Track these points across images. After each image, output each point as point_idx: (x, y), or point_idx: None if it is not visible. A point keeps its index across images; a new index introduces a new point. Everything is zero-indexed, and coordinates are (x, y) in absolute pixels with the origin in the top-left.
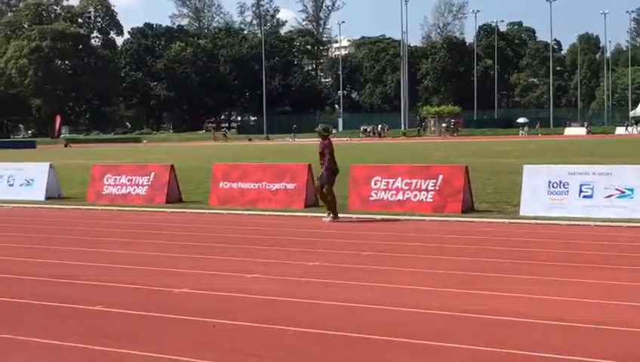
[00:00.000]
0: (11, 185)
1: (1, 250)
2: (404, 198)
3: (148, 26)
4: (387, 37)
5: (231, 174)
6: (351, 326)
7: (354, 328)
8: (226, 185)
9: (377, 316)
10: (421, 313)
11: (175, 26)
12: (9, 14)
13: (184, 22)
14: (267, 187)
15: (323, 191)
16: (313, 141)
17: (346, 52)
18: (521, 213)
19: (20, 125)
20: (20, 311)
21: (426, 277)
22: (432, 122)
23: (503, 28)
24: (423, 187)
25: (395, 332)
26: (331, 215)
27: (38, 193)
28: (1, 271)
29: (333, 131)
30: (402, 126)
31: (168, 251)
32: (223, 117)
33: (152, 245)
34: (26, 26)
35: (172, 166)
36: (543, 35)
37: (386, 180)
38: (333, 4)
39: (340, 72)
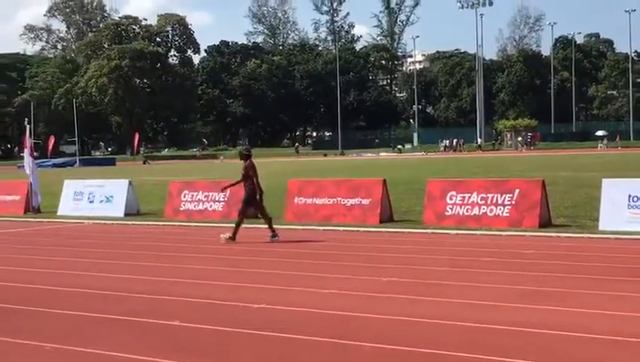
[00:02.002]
0: (91, 201)
1: (82, 266)
2: (480, 213)
3: (224, 43)
4: (462, 51)
5: (306, 190)
6: (424, 342)
7: (427, 344)
8: (301, 200)
9: (450, 332)
10: (494, 329)
11: (250, 44)
12: (90, 35)
13: (259, 39)
14: (342, 202)
15: (263, 209)
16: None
17: (421, 66)
18: (600, 228)
19: (101, 142)
20: (101, 325)
21: (500, 293)
22: (509, 136)
23: (579, 40)
24: (499, 201)
25: (466, 348)
26: (229, 235)
27: (118, 209)
28: (83, 286)
29: (407, 146)
30: (478, 140)
31: (245, 266)
32: (298, 133)
33: (230, 260)
34: (106, 45)
35: None
36: (621, 47)
37: (462, 195)
38: (408, 19)
39: (414, 87)
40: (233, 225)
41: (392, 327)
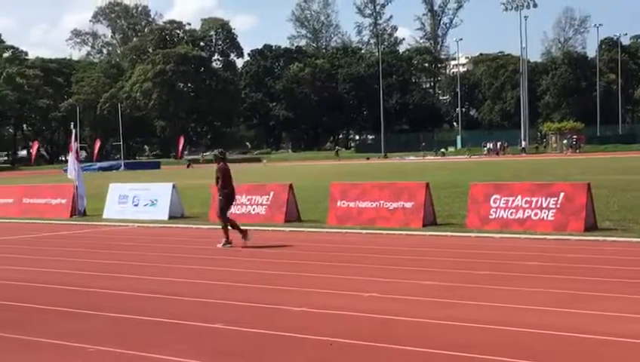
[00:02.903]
0: (136, 205)
1: (126, 269)
2: (524, 216)
3: (267, 47)
4: (506, 53)
5: (349, 193)
6: (465, 346)
7: (468, 347)
8: (343, 204)
9: (491, 335)
10: (535, 333)
11: (293, 47)
12: (134, 39)
13: (302, 43)
14: (385, 206)
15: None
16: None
17: (464, 69)
18: None
19: (145, 146)
20: (144, 328)
21: (545, 297)
22: (554, 139)
23: (625, 41)
24: (544, 205)
25: (509, 353)
26: (224, 241)
27: (162, 213)
28: (128, 288)
29: (451, 149)
30: (522, 143)
31: (288, 269)
32: (340, 136)
33: (271, 263)
34: (150, 50)
35: (290, 185)
36: None
37: (506, 198)
38: (451, 22)
39: (458, 89)
40: (274, 228)
41: (434, 331)
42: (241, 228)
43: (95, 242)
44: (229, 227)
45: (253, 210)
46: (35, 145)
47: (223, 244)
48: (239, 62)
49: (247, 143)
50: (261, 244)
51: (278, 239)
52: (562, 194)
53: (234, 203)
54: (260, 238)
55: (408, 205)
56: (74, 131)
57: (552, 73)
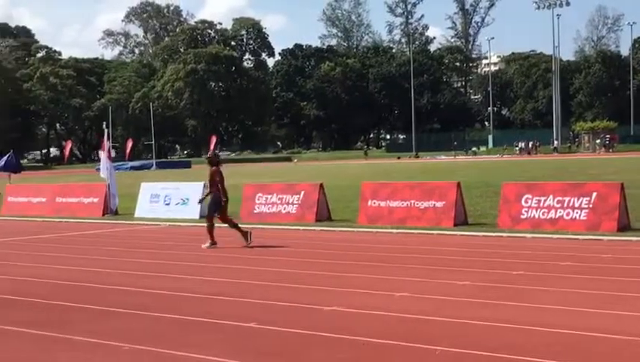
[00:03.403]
0: (167, 204)
1: (162, 268)
2: (556, 216)
3: (298, 46)
4: (538, 52)
5: (379, 192)
6: (498, 347)
7: (501, 348)
8: (374, 203)
9: (524, 336)
10: (569, 334)
11: (324, 47)
12: (166, 39)
13: (333, 42)
14: (416, 205)
15: (226, 217)
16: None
17: (496, 68)
18: None
19: (177, 145)
20: (179, 327)
21: (577, 298)
22: (586, 138)
23: None
24: (576, 205)
25: (542, 354)
26: (209, 242)
27: (193, 212)
28: (162, 287)
29: (482, 149)
30: (554, 142)
31: (317, 269)
32: (371, 135)
33: (303, 263)
34: (182, 50)
35: (321, 185)
36: None
37: (537, 198)
38: (483, 20)
39: (489, 89)
40: (305, 227)
41: (466, 331)
42: (243, 229)
43: (129, 241)
44: (234, 228)
45: (284, 210)
46: (68, 145)
47: (209, 245)
48: (270, 62)
49: (278, 142)
50: (291, 244)
51: (309, 238)
52: (595, 194)
53: (227, 205)
54: (291, 238)
55: (439, 204)
56: (106, 130)
57: (584, 72)
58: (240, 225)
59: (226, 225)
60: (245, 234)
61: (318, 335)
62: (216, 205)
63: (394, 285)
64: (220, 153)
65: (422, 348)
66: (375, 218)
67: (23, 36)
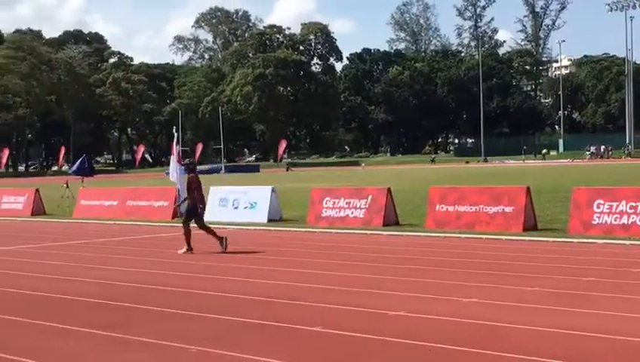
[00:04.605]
0: (236, 208)
1: (228, 271)
2: (629, 222)
3: (366, 51)
4: (611, 55)
5: (447, 197)
6: (571, 355)
7: (574, 357)
8: (442, 208)
9: (595, 345)
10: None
11: (392, 50)
12: (235, 44)
13: (401, 46)
14: (484, 210)
15: (202, 221)
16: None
17: (567, 71)
18: None
19: (245, 149)
20: (245, 330)
21: None
22: None
23: None
24: None
25: None
26: (185, 248)
27: (261, 216)
28: (230, 290)
29: (553, 153)
30: (627, 146)
31: (383, 273)
32: (439, 139)
33: (368, 267)
34: (250, 54)
35: (389, 189)
36: None
37: (610, 203)
38: (554, 23)
39: (560, 92)
40: (372, 231)
41: (537, 339)
42: (219, 235)
43: (198, 245)
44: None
45: (352, 214)
46: (141, 149)
47: (185, 251)
48: (338, 66)
49: (346, 147)
50: (358, 249)
51: (375, 243)
52: None
53: (204, 212)
54: (357, 242)
55: (508, 209)
56: (176, 135)
57: None
58: (215, 231)
59: (203, 231)
60: (221, 239)
61: (384, 340)
62: (191, 212)
63: (461, 290)
64: (287, 157)
65: (491, 354)
66: (443, 223)
67: (96, 42)
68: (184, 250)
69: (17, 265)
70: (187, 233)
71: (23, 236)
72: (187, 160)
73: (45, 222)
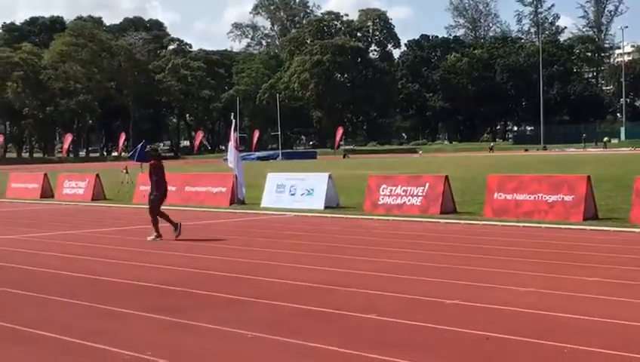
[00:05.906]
0: (293, 194)
1: (287, 258)
2: None
3: (424, 37)
4: None
5: (506, 185)
6: (632, 347)
7: (630, 347)
8: (500, 196)
9: None
10: None
11: (451, 37)
12: (293, 31)
13: (460, 32)
14: (543, 198)
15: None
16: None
17: (630, 58)
18: None
19: (302, 136)
20: (302, 317)
21: None
22: None
23: None
24: None
25: None
26: (155, 234)
27: (318, 202)
28: (288, 277)
29: (614, 141)
30: None
31: (440, 262)
32: (498, 127)
33: (424, 255)
34: (308, 41)
35: (446, 177)
36: None
37: None
38: (616, 9)
39: (622, 80)
40: (430, 219)
41: (597, 330)
42: (173, 221)
43: (257, 230)
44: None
45: (409, 201)
46: (199, 135)
47: (154, 238)
48: (396, 53)
49: (403, 134)
50: (414, 236)
51: (432, 230)
52: None
53: (158, 199)
54: (414, 229)
55: (568, 198)
56: (234, 121)
57: None
58: (170, 217)
59: (152, 217)
60: (175, 225)
61: (440, 329)
62: (161, 199)
63: (519, 279)
64: (344, 144)
65: (549, 344)
66: (501, 211)
67: (155, 29)
68: (153, 236)
69: (88, 250)
70: (156, 220)
71: (88, 220)
72: (150, 146)
73: (106, 208)
